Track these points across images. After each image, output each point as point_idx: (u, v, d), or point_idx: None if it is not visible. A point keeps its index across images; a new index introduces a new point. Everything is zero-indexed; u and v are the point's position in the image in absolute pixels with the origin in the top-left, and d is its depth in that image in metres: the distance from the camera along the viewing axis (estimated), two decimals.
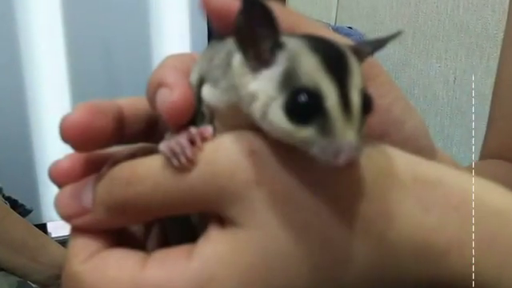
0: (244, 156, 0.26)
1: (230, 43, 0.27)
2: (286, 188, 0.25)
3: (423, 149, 0.31)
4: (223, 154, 0.26)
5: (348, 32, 1.59)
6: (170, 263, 0.26)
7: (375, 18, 1.60)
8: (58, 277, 1.04)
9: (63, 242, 1.13)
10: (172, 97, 0.28)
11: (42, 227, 1.58)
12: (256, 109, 0.25)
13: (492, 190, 0.27)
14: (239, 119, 0.27)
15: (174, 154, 0.26)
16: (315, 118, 0.24)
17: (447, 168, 0.28)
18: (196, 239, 0.27)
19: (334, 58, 0.25)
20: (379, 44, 0.28)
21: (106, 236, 0.29)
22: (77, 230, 0.29)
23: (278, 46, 0.25)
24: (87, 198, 0.29)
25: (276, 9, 0.24)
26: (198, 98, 0.29)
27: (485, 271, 0.25)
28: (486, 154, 0.67)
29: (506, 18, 0.67)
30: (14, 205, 1.27)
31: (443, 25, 1.39)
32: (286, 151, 0.25)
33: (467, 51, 1.34)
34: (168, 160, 0.26)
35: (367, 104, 0.25)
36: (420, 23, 1.45)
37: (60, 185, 0.30)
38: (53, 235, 1.59)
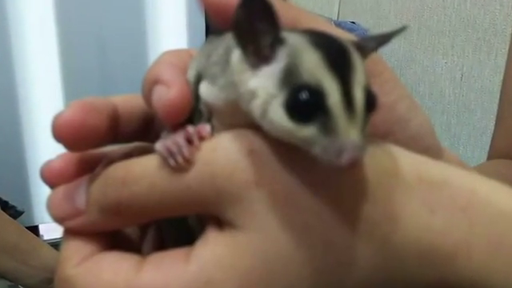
0: (243, 156, 0.26)
1: (228, 39, 0.27)
2: (287, 189, 0.25)
3: (429, 148, 0.31)
4: (221, 154, 0.26)
5: (351, 27, 1.59)
6: (167, 266, 0.26)
7: (379, 12, 1.60)
8: (50, 281, 1.04)
9: (56, 244, 1.13)
10: (168, 94, 0.28)
11: (34, 229, 1.57)
12: (256, 107, 0.25)
13: (500, 190, 0.27)
14: (238, 117, 0.27)
15: (171, 153, 0.26)
16: (317, 116, 0.24)
17: (454, 168, 0.28)
18: (193, 242, 0.27)
19: (336, 54, 0.25)
20: (383, 40, 0.28)
21: (100, 239, 0.29)
22: (70, 233, 0.29)
23: (278, 41, 0.25)
24: (80, 200, 0.29)
25: (276, 3, 0.24)
26: (196, 96, 0.29)
27: (492, 275, 0.25)
28: (493, 154, 0.67)
29: None
30: (5, 206, 1.27)
31: (449, 20, 1.39)
32: (286, 151, 0.25)
33: (474, 47, 1.34)
34: (164, 160, 0.26)
35: (371, 102, 0.25)
36: (425, 18, 1.45)
37: (52, 185, 0.30)
38: (45, 238, 1.59)
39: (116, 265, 0.27)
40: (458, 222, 0.26)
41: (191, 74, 0.29)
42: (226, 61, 0.27)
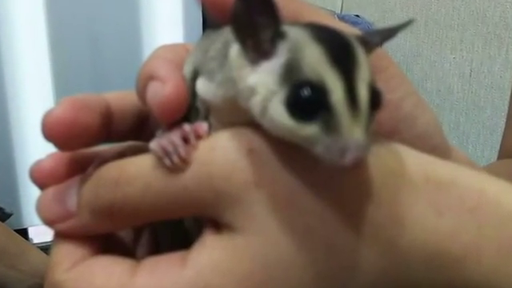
0: (242, 155, 0.26)
1: (226, 33, 0.27)
2: (288, 190, 0.25)
3: (436, 147, 0.31)
4: (219, 153, 0.26)
5: (355, 21, 1.59)
6: (162, 271, 0.26)
7: (384, 5, 1.60)
8: (40, 286, 1.04)
9: (46, 248, 1.13)
10: (164, 91, 0.28)
11: (23, 232, 1.58)
12: (255, 104, 0.25)
13: (510, 191, 0.27)
14: (237, 115, 0.27)
15: (166, 153, 0.26)
16: (319, 113, 0.24)
17: (462, 168, 0.28)
18: (190, 245, 0.27)
19: (339, 49, 0.25)
20: (389, 34, 0.28)
21: (92, 242, 0.29)
22: (60, 236, 0.29)
23: (278, 35, 0.25)
24: (71, 201, 0.29)
25: None
26: (192, 93, 0.29)
27: (503, 279, 0.25)
28: (504, 153, 0.67)
29: None
30: None
31: (458, 13, 1.39)
32: (287, 150, 0.25)
33: (484, 41, 1.34)
34: (159, 159, 0.26)
35: (376, 99, 0.25)
36: (433, 11, 1.45)
37: (42, 186, 0.30)
38: (34, 241, 1.59)
39: (109, 269, 0.27)
40: (467, 224, 0.26)
41: (188, 70, 0.29)
42: (224, 56, 0.27)
